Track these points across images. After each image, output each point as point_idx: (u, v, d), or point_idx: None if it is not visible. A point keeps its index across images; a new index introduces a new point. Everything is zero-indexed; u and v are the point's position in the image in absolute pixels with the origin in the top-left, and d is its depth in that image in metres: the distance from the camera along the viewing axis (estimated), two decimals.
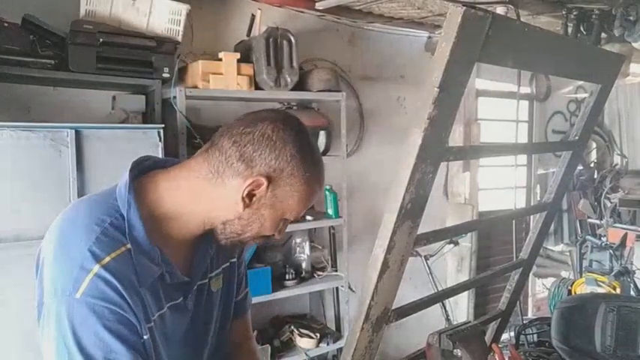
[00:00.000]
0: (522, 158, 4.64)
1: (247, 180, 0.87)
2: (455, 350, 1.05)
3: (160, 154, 2.08)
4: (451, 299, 3.69)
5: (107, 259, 0.80)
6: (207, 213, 0.91)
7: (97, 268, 0.79)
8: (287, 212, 0.92)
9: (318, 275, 2.99)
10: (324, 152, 2.90)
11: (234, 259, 1.10)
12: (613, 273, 3.12)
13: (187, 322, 0.97)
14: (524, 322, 3.06)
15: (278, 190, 0.89)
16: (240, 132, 0.88)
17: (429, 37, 3.67)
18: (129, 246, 0.83)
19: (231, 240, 0.93)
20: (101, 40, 2.11)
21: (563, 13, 2.82)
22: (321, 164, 0.94)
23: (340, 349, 2.90)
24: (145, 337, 0.84)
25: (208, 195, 0.89)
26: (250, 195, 0.88)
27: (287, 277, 2.83)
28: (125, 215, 0.85)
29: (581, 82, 4.50)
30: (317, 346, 2.87)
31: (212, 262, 1.02)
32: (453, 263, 4.11)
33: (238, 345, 1.18)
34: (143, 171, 0.93)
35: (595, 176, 4.84)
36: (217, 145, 0.89)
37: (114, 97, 2.45)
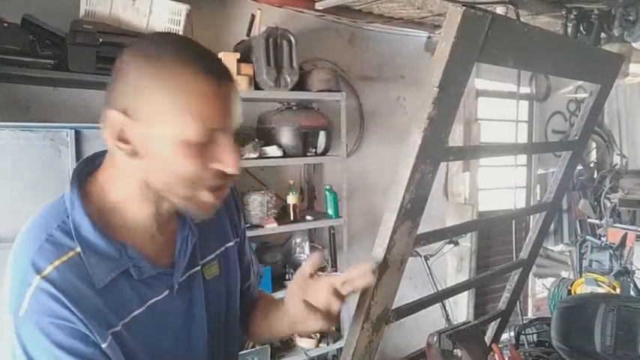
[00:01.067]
0: (522, 158, 4.64)
1: (106, 123, 0.75)
2: (455, 350, 1.05)
3: None
4: (451, 299, 3.69)
5: (49, 269, 0.74)
6: (135, 182, 0.80)
7: (37, 280, 0.73)
8: (183, 131, 0.73)
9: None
10: (324, 152, 2.90)
11: (231, 243, 1.00)
12: (613, 273, 3.12)
13: (182, 316, 0.88)
14: (524, 322, 3.07)
15: (143, 113, 0.74)
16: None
17: (429, 37, 3.67)
18: (78, 249, 0.77)
19: (182, 203, 0.80)
20: (101, 40, 2.11)
21: (563, 13, 2.82)
22: (188, 50, 0.75)
23: (340, 349, 2.90)
24: (104, 344, 0.76)
25: (120, 164, 0.80)
26: (123, 139, 0.75)
27: (287, 277, 2.83)
28: (70, 215, 0.79)
29: (580, 82, 4.50)
30: (317, 346, 2.87)
31: (202, 247, 0.93)
32: (453, 263, 4.11)
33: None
34: (98, 166, 0.86)
35: (595, 176, 4.84)
36: None
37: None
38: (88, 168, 0.86)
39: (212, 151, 0.77)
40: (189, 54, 0.75)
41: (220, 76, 0.75)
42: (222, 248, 0.99)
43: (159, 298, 0.85)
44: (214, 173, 0.78)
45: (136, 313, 0.82)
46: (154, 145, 0.75)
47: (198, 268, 0.92)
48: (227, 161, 0.77)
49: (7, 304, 0.76)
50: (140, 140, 0.75)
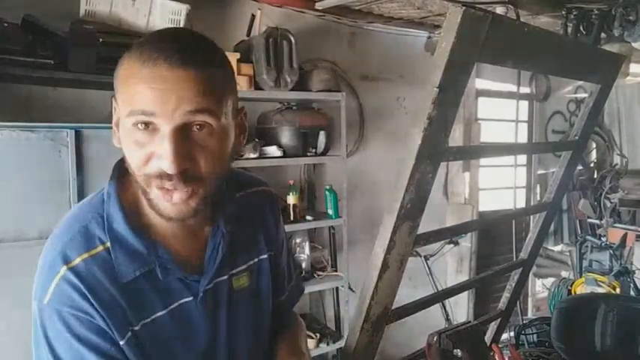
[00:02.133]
0: (522, 158, 4.64)
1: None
2: (455, 350, 1.05)
3: None
4: (451, 299, 3.69)
5: (77, 260, 0.76)
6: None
7: (63, 270, 0.75)
8: (123, 114, 0.75)
9: (318, 275, 2.99)
10: (324, 152, 2.90)
11: (264, 256, 0.97)
12: (613, 273, 3.11)
13: (204, 324, 0.86)
14: (524, 322, 3.06)
15: (116, 94, 0.79)
16: None
17: (429, 37, 3.67)
18: (108, 244, 0.78)
19: (147, 198, 0.78)
20: (101, 40, 2.11)
21: (563, 13, 2.82)
22: (149, 37, 0.77)
23: (340, 349, 2.90)
24: (122, 342, 0.77)
25: None
26: (116, 123, 0.79)
27: None
28: (105, 207, 0.80)
29: (581, 82, 4.50)
30: (317, 346, 2.87)
31: (233, 257, 0.91)
32: (453, 263, 4.11)
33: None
34: None
35: (595, 176, 4.84)
36: None
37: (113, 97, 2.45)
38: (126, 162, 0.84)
39: (154, 145, 0.73)
40: (145, 40, 0.75)
41: (160, 60, 0.71)
42: (255, 260, 0.96)
43: (182, 303, 0.84)
44: (157, 170, 0.74)
45: (158, 315, 0.81)
46: (120, 127, 0.78)
47: (226, 277, 0.90)
48: (161, 154, 0.72)
49: (34, 290, 0.78)
50: (116, 122, 0.79)
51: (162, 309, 0.82)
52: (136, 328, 0.79)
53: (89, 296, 0.75)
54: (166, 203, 0.76)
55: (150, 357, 0.80)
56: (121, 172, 0.83)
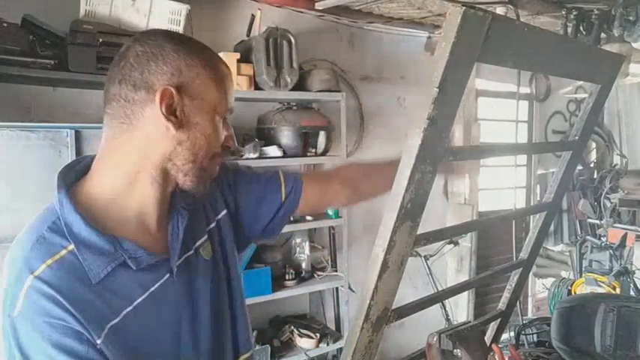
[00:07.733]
0: (522, 158, 4.64)
1: (156, 98, 0.81)
2: (455, 350, 1.05)
3: None
4: (451, 299, 3.69)
5: (42, 267, 0.76)
6: (148, 162, 0.84)
7: (30, 279, 0.75)
8: (216, 105, 0.87)
9: (318, 275, 2.99)
10: (324, 152, 2.90)
11: (221, 214, 1.03)
12: (613, 273, 3.11)
13: (184, 299, 0.90)
14: (524, 322, 3.07)
15: (190, 89, 0.84)
16: (119, 70, 0.83)
17: (429, 37, 3.67)
18: (71, 247, 0.78)
19: (193, 174, 0.87)
20: (101, 40, 2.11)
21: (563, 13, 2.82)
22: (203, 45, 0.90)
23: (340, 349, 2.90)
24: (99, 341, 0.76)
25: (135, 144, 0.84)
26: (171, 110, 0.83)
27: (287, 277, 2.83)
28: (60, 215, 0.80)
29: (581, 82, 4.49)
30: (317, 346, 2.87)
31: (193, 231, 0.96)
32: (453, 263, 4.11)
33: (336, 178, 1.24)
34: (83, 170, 0.89)
35: (595, 176, 4.84)
36: (108, 99, 0.84)
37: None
38: (71, 173, 0.88)
39: (223, 127, 0.91)
40: (209, 49, 0.90)
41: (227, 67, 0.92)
42: (213, 223, 1.02)
43: (160, 283, 0.87)
44: (224, 147, 0.93)
45: (138, 300, 0.83)
46: (197, 116, 0.86)
47: (192, 251, 0.94)
48: (231, 135, 0.93)
49: (2, 305, 0.77)
50: (186, 111, 0.84)
51: (142, 294, 0.84)
52: (116, 320, 0.80)
53: (60, 300, 0.75)
54: (215, 170, 0.93)
55: (136, 344, 0.81)
56: (67, 180, 0.85)
